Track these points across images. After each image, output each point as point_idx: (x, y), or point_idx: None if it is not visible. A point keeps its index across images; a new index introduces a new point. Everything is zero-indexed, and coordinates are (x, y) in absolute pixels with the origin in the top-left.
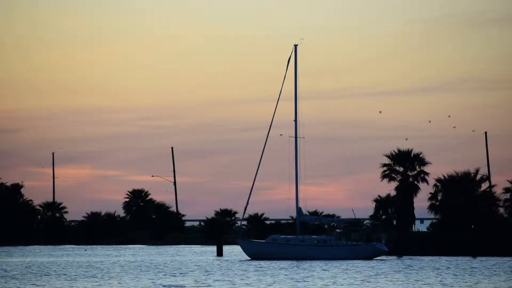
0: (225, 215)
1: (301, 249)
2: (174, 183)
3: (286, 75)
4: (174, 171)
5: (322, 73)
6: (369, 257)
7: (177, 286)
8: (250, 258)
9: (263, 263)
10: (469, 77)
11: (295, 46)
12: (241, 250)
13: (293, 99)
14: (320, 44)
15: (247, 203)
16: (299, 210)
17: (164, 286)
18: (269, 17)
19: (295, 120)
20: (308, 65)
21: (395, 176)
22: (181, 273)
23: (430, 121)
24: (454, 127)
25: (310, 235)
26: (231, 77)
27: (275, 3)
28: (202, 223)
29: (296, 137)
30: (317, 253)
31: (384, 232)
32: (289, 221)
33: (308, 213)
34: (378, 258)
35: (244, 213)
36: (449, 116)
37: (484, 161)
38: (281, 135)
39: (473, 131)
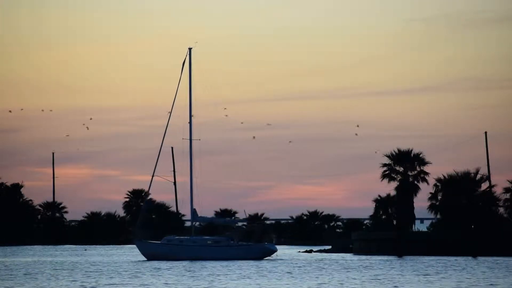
0: (225, 215)
1: (194, 250)
2: (174, 183)
3: (181, 78)
4: (174, 171)
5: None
6: (259, 257)
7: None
8: (146, 259)
9: (156, 263)
10: (469, 77)
11: (190, 49)
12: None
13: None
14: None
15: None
16: (193, 211)
17: None
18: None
19: (190, 123)
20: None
21: (395, 176)
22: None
23: (358, 125)
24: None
25: (202, 236)
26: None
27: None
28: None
29: (190, 139)
30: (209, 253)
31: (274, 233)
32: (289, 221)
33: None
34: (268, 258)
35: (142, 213)
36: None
37: (484, 161)
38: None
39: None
